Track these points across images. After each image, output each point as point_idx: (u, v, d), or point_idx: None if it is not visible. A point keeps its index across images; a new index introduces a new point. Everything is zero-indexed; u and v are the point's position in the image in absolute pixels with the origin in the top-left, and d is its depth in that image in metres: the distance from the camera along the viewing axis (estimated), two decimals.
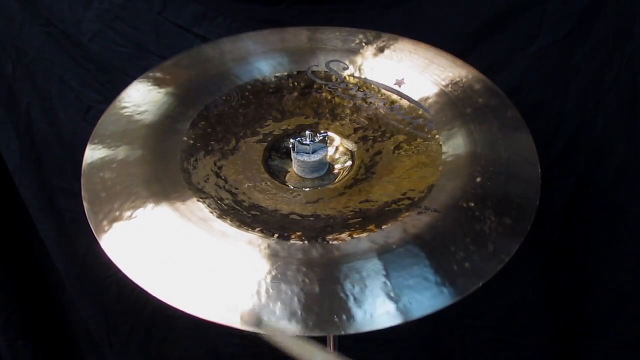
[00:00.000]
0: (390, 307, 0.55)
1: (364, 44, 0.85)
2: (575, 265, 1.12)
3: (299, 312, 0.54)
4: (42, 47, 1.04)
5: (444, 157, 0.71)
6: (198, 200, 0.65)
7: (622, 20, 0.94)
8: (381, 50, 0.84)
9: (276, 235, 0.61)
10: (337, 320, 0.54)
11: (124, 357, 1.31)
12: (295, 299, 0.55)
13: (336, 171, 0.76)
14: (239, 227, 0.62)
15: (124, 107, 0.75)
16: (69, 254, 1.19)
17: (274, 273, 0.57)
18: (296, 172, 0.75)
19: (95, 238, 0.61)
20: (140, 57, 1.02)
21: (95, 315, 1.26)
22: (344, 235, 0.61)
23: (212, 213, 0.64)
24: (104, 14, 1.00)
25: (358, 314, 0.54)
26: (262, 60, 0.84)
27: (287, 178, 0.75)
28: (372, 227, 0.62)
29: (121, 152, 0.69)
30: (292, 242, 0.61)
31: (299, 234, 0.62)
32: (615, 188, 1.04)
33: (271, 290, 0.55)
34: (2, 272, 1.19)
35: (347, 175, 0.74)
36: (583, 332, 1.18)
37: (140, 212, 0.63)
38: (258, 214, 0.66)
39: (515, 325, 1.19)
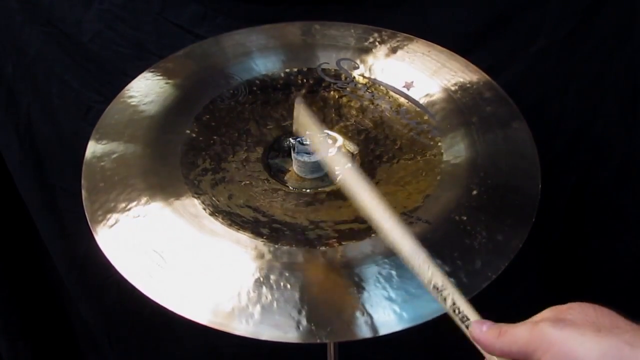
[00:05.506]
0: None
1: (377, 43, 0.84)
2: (575, 265, 1.12)
3: (299, 318, 0.54)
4: (42, 47, 1.03)
5: (443, 165, 0.70)
6: (193, 196, 0.65)
7: (622, 20, 0.94)
8: (394, 50, 0.83)
9: (269, 239, 0.61)
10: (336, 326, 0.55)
11: (124, 357, 1.31)
12: (293, 304, 0.55)
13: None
14: (236, 229, 0.62)
15: (131, 97, 0.76)
16: (69, 254, 1.19)
17: (268, 277, 0.57)
18: (296, 171, 0.75)
19: (94, 239, 0.61)
20: (140, 57, 1.01)
21: (95, 315, 1.26)
22: (333, 241, 0.61)
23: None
24: (104, 14, 1.00)
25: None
26: (272, 55, 0.83)
27: (286, 177, 0.75)
28: (360, 235, 0.62)
29: (123, 143, 0.69)
30: (288, 247, 0.60)
31: (294, 238, 0.62)
32: (615, 188, 1.04)
33: (268, 297, 0.55)
34: (2, 272, 1.19)
35: None
36: None
37: (133, 205, 0.63)
38: (254, 215, 0.66)
39: None
